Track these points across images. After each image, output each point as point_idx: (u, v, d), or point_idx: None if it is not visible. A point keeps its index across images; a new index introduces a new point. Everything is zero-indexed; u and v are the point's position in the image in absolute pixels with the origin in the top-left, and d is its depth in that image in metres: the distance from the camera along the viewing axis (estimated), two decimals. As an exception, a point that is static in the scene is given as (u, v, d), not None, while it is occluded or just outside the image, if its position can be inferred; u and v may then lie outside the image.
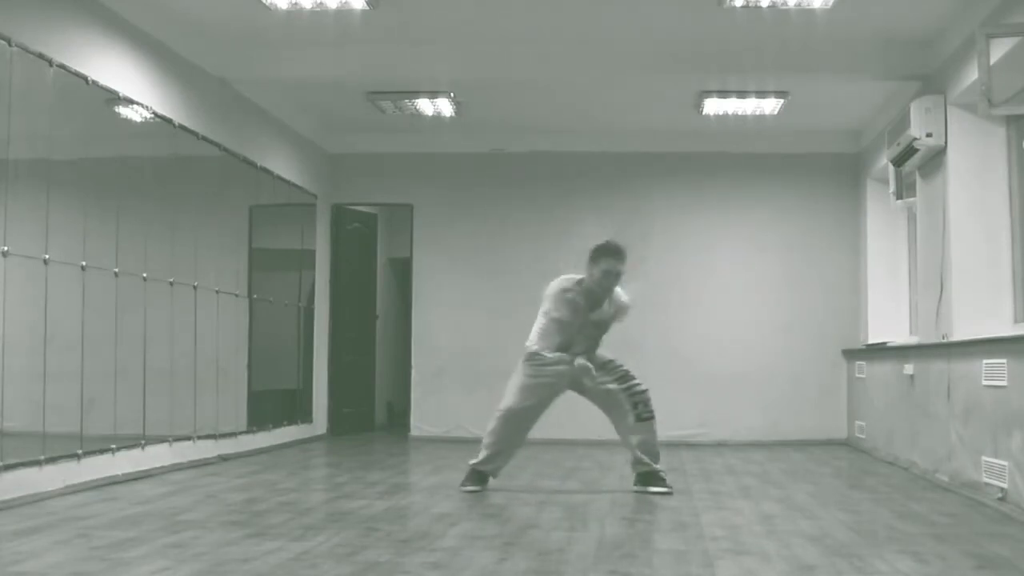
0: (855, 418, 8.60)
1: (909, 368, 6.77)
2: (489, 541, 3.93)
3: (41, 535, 3.91)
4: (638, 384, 5.60)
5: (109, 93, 5.65)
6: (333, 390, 9.42)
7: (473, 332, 9.14)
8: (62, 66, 5.14)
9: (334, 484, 5.85)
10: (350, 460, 7.26)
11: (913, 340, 7.22)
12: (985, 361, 5.26)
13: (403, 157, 9.43)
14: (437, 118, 8.55)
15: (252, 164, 7.64)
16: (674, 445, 8.14)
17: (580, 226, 8.84)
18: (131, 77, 5.92)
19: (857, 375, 8.50)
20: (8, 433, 4.72)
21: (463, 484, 5.54)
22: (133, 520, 4.32)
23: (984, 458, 5.25)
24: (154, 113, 6.16)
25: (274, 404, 8.22)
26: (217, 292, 6.97)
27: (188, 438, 6.53)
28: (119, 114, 5.87)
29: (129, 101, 5.88)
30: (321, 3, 6.08)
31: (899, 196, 7.25)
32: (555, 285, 5.52)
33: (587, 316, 5.49)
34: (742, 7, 6.01)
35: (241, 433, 7.37)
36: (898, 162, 6.93)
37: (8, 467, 4.68)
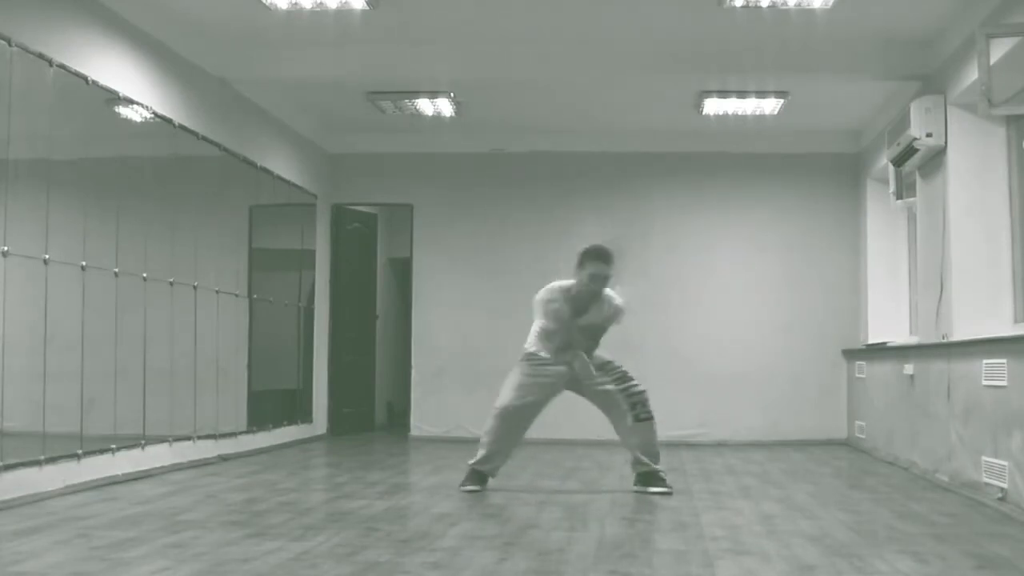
0: (855, 418, 8.60)
1: (909, 368, 6.77)
2: (489, 541, 3.93)
3: (41, 535, 3.91)
4: (636, 385, 5.60)
5: (109, 93, 5.65)
6: (333, 390, 9.42)
7: (473, 332, 9.14)
8: (62, 66, 5.14)
9: (334, 484, 5.85)
10: (350, 460, 7.26)
11: (913, 340, 7.22)
12: (985, 361, 5.26)
13: (403, 157, 9.43)
14: (437, 118, 8.55)
15: (252, 164, 7.64)
16: (674, 445, 8.15)
17: (580, 226, 8.82)
18: (131, 77, 5.92)
19: (857, 375, 8.50)
20: (8, 433, 4.72)
21: (463, 484, 5.54)
22: (133, 520, 4.32)
23: (984, 458, 5.25)
24: (154, 113, 6.17)
25: (274, 404, 8.22)
26: (217, 292, 6.97)
27: (188, 438, 6.53)
28: (119, 114, 5.87)
29: (129, 101, 5.88)
30: (321, 3, 6.08)
31: (899, 196, 7.25)
32: (540, 295, 5.58)
33: (574, 322, 5.51)
34: (742, 7, 6.01)
35: (241, 433, 7.37)
36: (898, 162, 6.93)
37: (8, 467, 4.68)
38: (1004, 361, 5.01)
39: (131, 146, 6.10)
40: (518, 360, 5.64)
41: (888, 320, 8.39)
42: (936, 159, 6.42)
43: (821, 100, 8.00)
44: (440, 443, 8.72)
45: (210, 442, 6.84)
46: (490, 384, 5.77)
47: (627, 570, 3.40)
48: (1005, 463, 4.95)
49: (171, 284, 6.31)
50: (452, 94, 7.94)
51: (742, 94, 7.73)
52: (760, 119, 8.32)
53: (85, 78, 5.36)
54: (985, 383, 5.27)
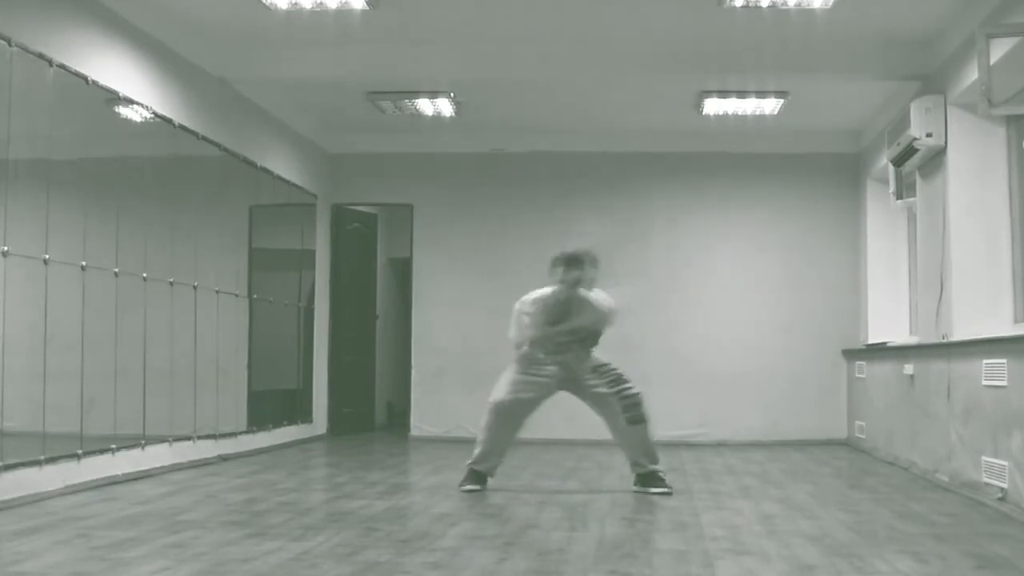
0: (855, 418, 8.60)
1: (909, 368, 6.77)
2: (489, 541, 3.93)
3: (41, 535, 3.91)
4: (629, 388, 5.58)
5: (109, 93, 5.65)
6: (333, 390, 9.42)
7: (473, 332, 9.13)
8: (62, 66, 5.14)
9: (334, 484, 5.85)
10: (350, 460, 7.26)
11: (913, 340, 7.22)
12: (985, 361, 5.26)
13: (403, 157, 9.43)
14: (437, 118, 8.55)
15: (252, 164, 7.64)
16: (674, 445, 8.15)
17: (580, 226, 8.84)
18: (131, 77, 5.92)
19: (857, 375, 8.50)
20: (8, 433, 4.72)
21: (462, 484, 5.55)
22: (133, 520, 4.32)
23: (984, 458, 5.25)
24: (154, 113, 6.16)
25: (274, 404, 8.22)
26: (217, 292, 6.97)
27: (188, 438, 6.53)
28: (119, 114, 5.87)
29: (129, 101, 5.88)
30: (321, 3, 6.08)
31: (899, 196, 7.25)
32: (515, 307, 5.65)
33: (549, 329, 5.53)
34: (742, 7, 6.01)
35: (241, 433, 7.37)
36: (898, 162, 6.93)
37: (8, 467, 4.68)
38: (1004, 361, 5.01)
39: (131, 146, 6.10)
40: (515, 359, 5.67)
41: (888, 320, 8.39)
42: (936, 159, 6.42)
43: (821, 100, 8.00)
44: (440, 443, 8.72)
45: (210, 442, 6.84)
46: (490, 384, 5.77)
47: (627, 570, 3.40)
48: (1005, 463, 4.95)
49: (171, 284, 6.31)
50: (452, 94, 7.94)
51: (742, 94, 7.73)
52: (760, 119, 8.32)
53: (85, 78, 5.36)
54: (985, 383, 5.27)
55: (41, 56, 4.97)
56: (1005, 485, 4.93)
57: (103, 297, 5.55)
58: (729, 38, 6.63)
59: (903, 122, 6.60)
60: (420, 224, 9.47)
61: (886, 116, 7.69)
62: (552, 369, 5.58)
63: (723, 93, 7.72)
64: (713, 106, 8.01)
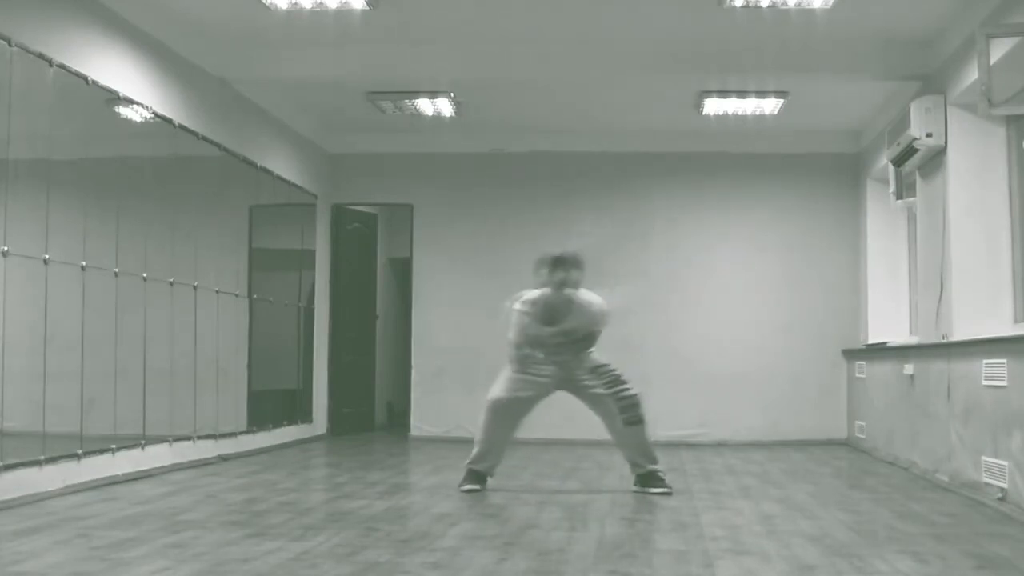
0: (855, 418, 8.60)
1: (909, 368, 6.77)
2: (489, 541, 3.93)
3: (41, 535, 3.91)
4: (626, 389, 5.56)
5: (109, 93, 5.65)
6: (333, 390, 9.42)
7: (473, 332, 9.12)
8: (62, 66, 5.14)
9: (334, 484, 5.85)
10: (350, 460, 7.26)
11: (913, 340, 7.22)
12: (985, 361, 5.26)
13: (403, 157, 9.43)
14: (437, 118, 8.55)
15: (252, 164, 7.64)
16: (674, 445, 8.15)
17: (580, 226, 8.87)
18: (131, 77, 5.92)
19: (857, 375, 8.50)
20: (8, 433, 4.72)
21: (462, 484, 5.55)
22: (133, 520, 4.32)
23: (984, 458, 5.25)
24: (154, 113, 6.16)
25: (274, 404, 8.22)
26: (217, 292, 6.97)
27: (188, 438, 6.53)
28: (119, 114, 5.87)
29: (129, 101, 5.88)
30: (321, 3, 6.08)
31: (899, 196, 7.25)
32: (513, 307, 5.62)
33: (542, 330, 5.52)
34: (742, 7, 6.01)
35: (241, 433, 7.37)
36: (898, 162, 6.93)
37: (8, 467, 4.68)
38: (1004, 361, 5.01)
39: (131, 146, 6.10)
40: (512, 359, 5.66)
41: (888, 320, 8.39)
42: (936, 159, 6.42)
43: (821, 100, 8.00)
44: (440, 443, 8.72)
45: (210, 442, 6.84)
46: (490, 384, 5.77)
47: (627, 570, 3.40)
48: (1005, 463, 4.95)
49: (171, 284, 6.31)
50: (452, 94, 7.94)
51: (742, 94, 7.73)
52: (760, 119, 8.32)
53: (85, 78, 5.36)
54: (985, 383, 5.27)
55: (41, 56, 4.97)
56: (1005, 485, 4.93)
57: (103, 297, 5.55)
58: (729, 38, 6.63)
59: (903, 122, 6.60)
60: (420, 224, 9.47)
61: (886, 116, 7.69)
62: (550, 369, 5.59)
63: (723, 93, 7.72)
64: (713, 106, 8.01)
